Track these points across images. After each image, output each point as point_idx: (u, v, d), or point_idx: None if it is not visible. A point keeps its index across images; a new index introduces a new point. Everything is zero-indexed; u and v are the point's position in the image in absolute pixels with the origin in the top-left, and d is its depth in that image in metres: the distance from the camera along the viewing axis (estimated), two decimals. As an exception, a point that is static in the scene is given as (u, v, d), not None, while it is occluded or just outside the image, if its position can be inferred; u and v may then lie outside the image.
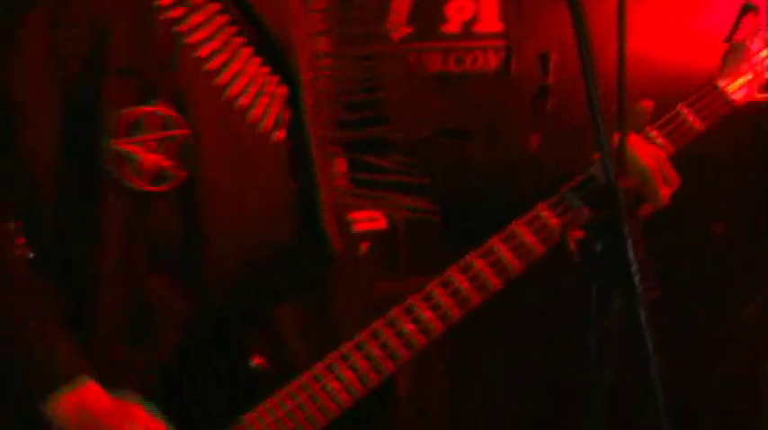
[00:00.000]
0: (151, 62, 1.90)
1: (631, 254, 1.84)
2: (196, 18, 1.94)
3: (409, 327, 2.02)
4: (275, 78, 2.02)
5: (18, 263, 1.87)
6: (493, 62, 4.76)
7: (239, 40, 1.99)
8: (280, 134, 2.03)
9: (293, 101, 2.04)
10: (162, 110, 1.89)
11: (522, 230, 2.12)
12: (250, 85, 1.99)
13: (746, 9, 4.78)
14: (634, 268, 1.84)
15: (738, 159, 4.73)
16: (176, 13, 1.91)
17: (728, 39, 4.86)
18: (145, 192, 1.89)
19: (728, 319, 4.81)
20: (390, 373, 2.01)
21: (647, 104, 2.20)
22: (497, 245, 2.11)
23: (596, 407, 1.88)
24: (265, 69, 2.02)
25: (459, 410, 4.74)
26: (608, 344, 1.91)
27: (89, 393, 1.84)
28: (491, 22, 4.79)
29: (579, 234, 2.14)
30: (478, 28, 4.78)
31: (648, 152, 2.16)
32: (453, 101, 4.71)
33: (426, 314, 2.04)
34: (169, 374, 1.94)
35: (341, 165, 2.18)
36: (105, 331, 1.93)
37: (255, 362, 1.94)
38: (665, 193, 2.18)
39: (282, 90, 2.03)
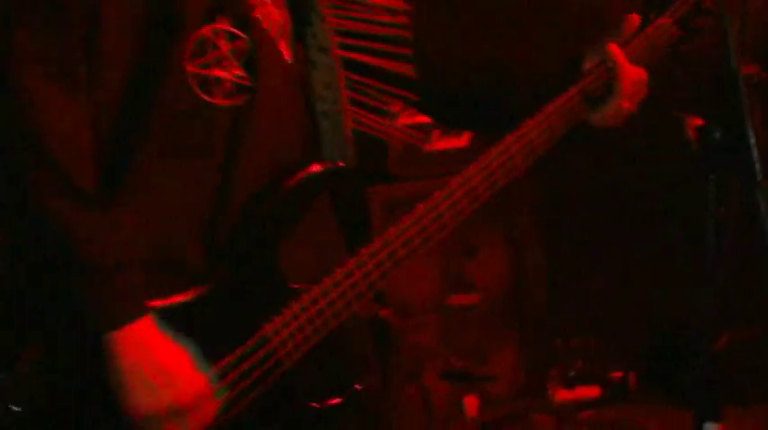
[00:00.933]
0: None
1: (753, 140, 1.79)
2: None
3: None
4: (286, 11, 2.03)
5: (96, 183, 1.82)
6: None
7: None
8: (293, 61, 2.04)
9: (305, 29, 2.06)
10: (227, 27, 1.89)
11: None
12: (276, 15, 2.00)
13: None
14: (755, 155, 1.79)
15: None
16: None
17: None
18: (210, 105, 1.88)
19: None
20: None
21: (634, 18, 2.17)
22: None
23: (714, 296, 1.84)
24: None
25: (559, 301, 4.74)
26: (725, 233, 1.87)
27: (151, 333, 1.79)
28: None
29: (699, 121, 2.10)
30: None
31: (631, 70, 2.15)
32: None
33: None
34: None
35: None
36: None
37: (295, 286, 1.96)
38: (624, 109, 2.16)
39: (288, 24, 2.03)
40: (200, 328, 1.86)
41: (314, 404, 1.96)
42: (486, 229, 4.44)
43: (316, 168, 1.97)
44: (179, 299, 1.87)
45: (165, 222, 1.88)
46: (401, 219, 1.98)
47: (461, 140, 4.24)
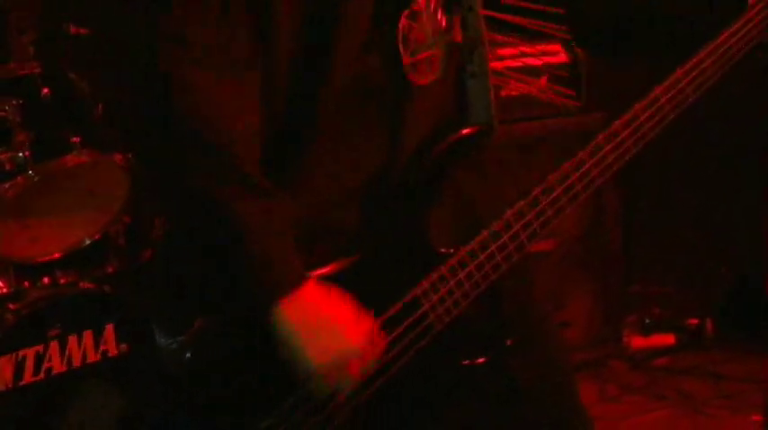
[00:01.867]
0: None
1: None
2: None
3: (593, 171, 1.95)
4: None
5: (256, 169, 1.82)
6: None
7: None
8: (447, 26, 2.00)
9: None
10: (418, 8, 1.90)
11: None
12: None
13: None
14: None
15: None
16: None
17: None
18: (416, 86, 1.91)
19: None
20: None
21: None
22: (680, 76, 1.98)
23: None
24: None
25: (635, 247, 4.66)
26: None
27: (316, 293, 1.81)
28: None
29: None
30: None
31: None
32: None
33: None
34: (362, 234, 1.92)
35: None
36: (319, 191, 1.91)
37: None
38: None
39: None
40: (354, 296, 1.87)
41: (465, 362, 1.95)
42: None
43: (464, 132, 1.95)
44: (334, 268, 1.88)
45: (330, 191, 1.89)
46: (547, 176, 1.92)
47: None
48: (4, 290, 3.20)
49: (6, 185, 3.17)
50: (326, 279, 1.85)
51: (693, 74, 1.97)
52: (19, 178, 3.18)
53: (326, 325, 1.80)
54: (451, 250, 1.91)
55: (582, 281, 4.40)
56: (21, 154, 3.18)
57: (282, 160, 1.88)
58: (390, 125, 1.91)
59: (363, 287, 1.86)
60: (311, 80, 1.85)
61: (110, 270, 3.47)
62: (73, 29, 3.43)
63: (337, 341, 1.80)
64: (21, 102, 3.21)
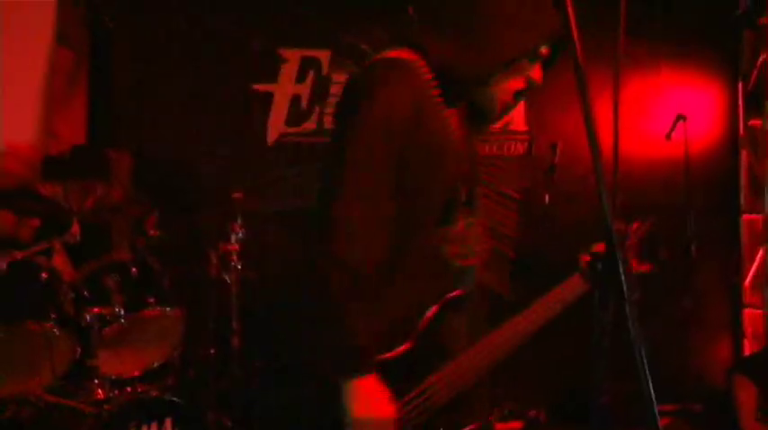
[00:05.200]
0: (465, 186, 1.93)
1: (622, 269, 1.76)
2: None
3: None
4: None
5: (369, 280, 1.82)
6: (521, 149, 4.73)
7: None
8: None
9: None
10: (476, 222, 1.93)
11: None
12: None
13: (679, 117, 4.68)
14: (624, 279, 1.76)
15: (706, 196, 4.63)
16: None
17: (668, 136, 4.75)
18: (456, 266, 1.92)
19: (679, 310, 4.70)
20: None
21: (585, 259, 2.16)
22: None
23: (600, 369, 1.80)
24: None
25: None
26: (606, 329, 1.83)
27: (375, 385, 1.78)
28: (520, 123, 4.77)
29: (587, 257, 2.08)
30: (512, 128, 4.76)
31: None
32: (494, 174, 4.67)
33: None
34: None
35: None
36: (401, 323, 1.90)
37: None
38: None
39: None
40: (401, 372, 1.86)
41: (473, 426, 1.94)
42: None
43: (455, 293, 1.95)
44: (394, 354, 1.86)
45: (400, 311, 1.87)
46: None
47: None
48: (102, 396, 3.14)
49: (107, 329, 3.15)
50: (388, 362, 1.84)
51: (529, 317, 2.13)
52: (115, 325, 3.17)
53: (373, 406, 1.76)
54: (456, 352, 1.90)
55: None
56: (116, 309, 3.17)
57: (391, 279, 1.86)
58: (445, 274, 1.92)
59: (407, 369, 1.86)
60: (409, 238, 1.87)
61: (170, 382, 3.41)
62: (152, 231, 3.47)
63: (376, 418, 1.76)
64: (118, 278, 3.22)
